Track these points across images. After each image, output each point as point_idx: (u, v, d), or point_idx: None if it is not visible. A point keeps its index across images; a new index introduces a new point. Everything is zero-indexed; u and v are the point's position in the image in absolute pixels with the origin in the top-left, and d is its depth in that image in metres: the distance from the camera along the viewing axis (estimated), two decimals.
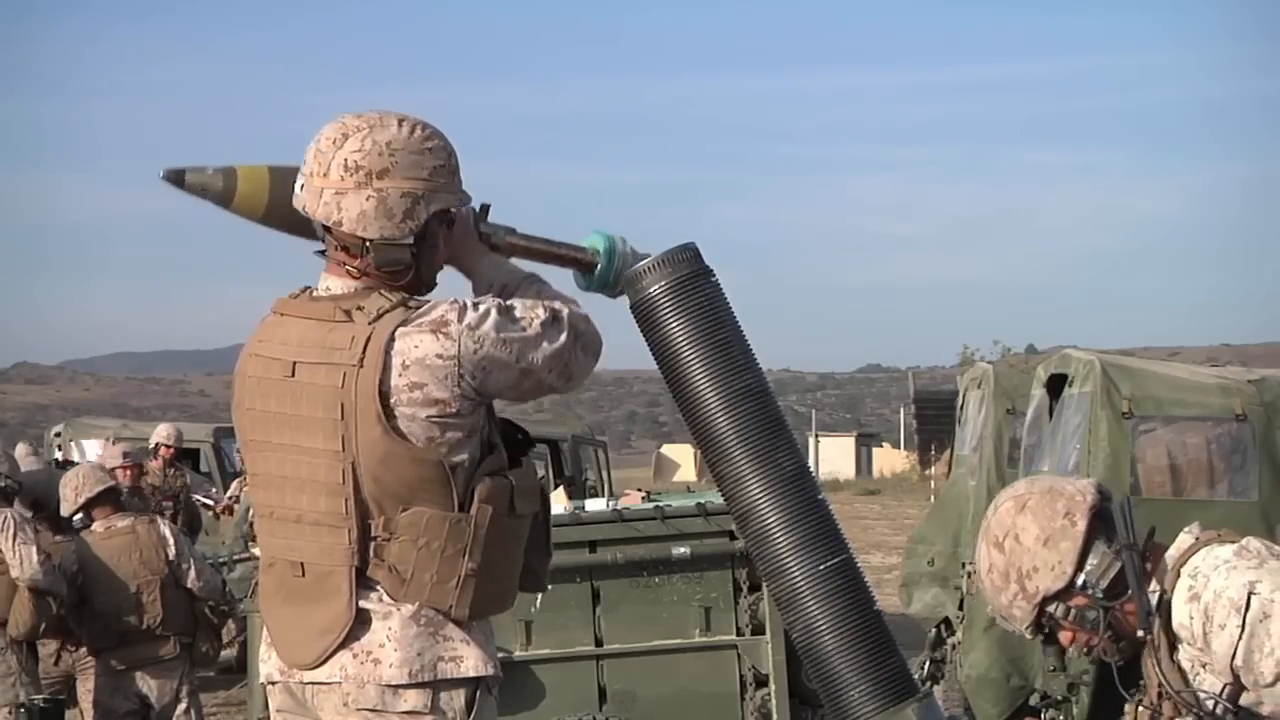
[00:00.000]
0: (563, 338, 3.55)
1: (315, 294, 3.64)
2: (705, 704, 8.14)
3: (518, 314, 3.53)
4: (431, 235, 3.59)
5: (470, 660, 3.53)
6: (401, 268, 3.57)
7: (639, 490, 10.70)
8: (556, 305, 3.58)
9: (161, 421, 16.05)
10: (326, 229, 3.58)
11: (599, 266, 3.81)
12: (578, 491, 14.42)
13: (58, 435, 18.48)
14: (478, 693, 3.55)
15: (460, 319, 3.48)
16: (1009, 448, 11.41)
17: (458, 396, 3.48)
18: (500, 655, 3.71)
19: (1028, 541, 3.80)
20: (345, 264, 3.60)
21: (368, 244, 3.54)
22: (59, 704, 8.59)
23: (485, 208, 3.79)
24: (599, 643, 8.15)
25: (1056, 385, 9.98)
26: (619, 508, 8.47)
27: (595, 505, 8.87)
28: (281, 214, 3.69)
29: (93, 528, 8.38)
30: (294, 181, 3.63)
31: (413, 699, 3.50)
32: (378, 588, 3.52)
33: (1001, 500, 3.93)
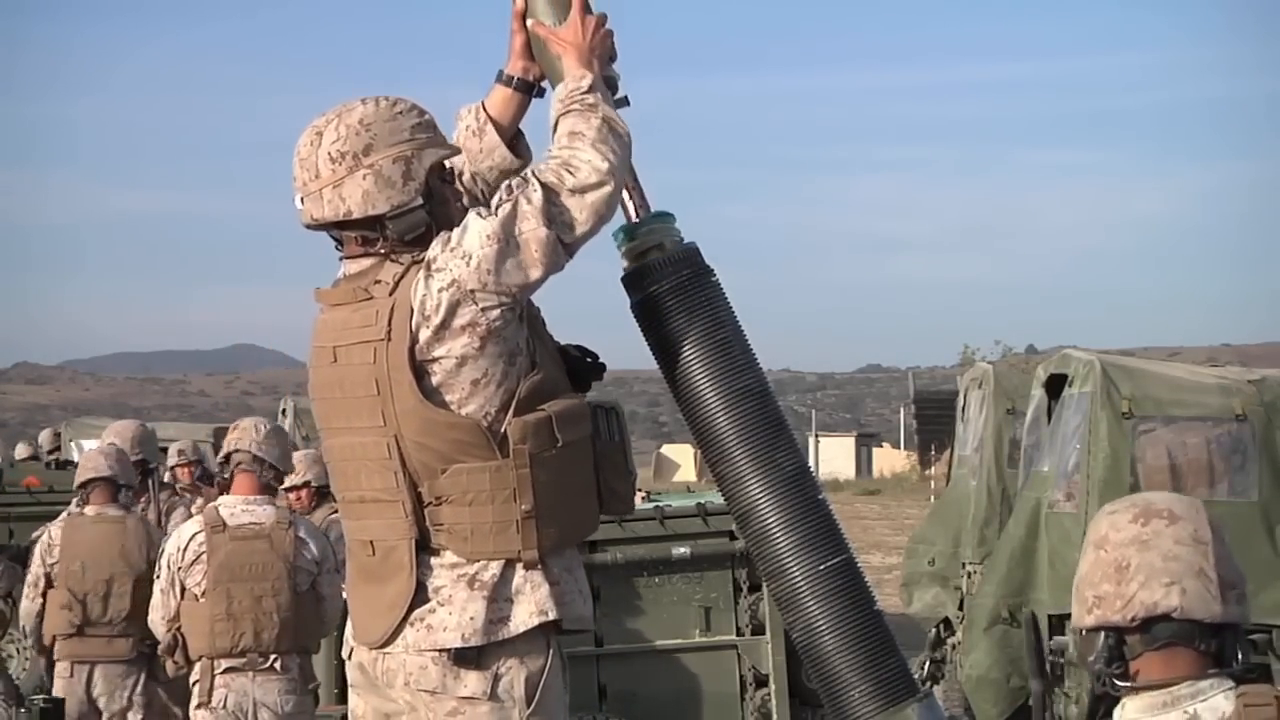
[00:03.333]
0: (544, 228, 3.50)
1: (336, 280, 3.71)
2: (705, 704, 8.15)
3: (503, 222, 3.49)
4: (437, 192, 3.63)
5: (520, 614, 3.54)
6: (423, 229, 3.59)
7: (639, 490, 10.68)
8: (540, 201, 3.51)
9: (162, 421, 15.53)
10: (340, 227, 3.63)
11: (631, 227, 3.80)
12: None
13: (57, 437, 18.34)
14: (545, 666, 3.57)
15: (444, 247, 3.52)
16: (1009, 448, 11.42)
17: (479, 310, 3.49)
18: None
19: None
20: (368, 252, 3.64)
21: (384, 220, 3.58)
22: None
23: (625, 99, 3.80)
24: (599, 643, 8.14)
25: (1056, 385, 9.98)
26: None
27: None
28: None
29: (85, 511, 8.28)
30: None
31: (473, 684, 3.54)
32: (444, 553, 3.57)
33: None
